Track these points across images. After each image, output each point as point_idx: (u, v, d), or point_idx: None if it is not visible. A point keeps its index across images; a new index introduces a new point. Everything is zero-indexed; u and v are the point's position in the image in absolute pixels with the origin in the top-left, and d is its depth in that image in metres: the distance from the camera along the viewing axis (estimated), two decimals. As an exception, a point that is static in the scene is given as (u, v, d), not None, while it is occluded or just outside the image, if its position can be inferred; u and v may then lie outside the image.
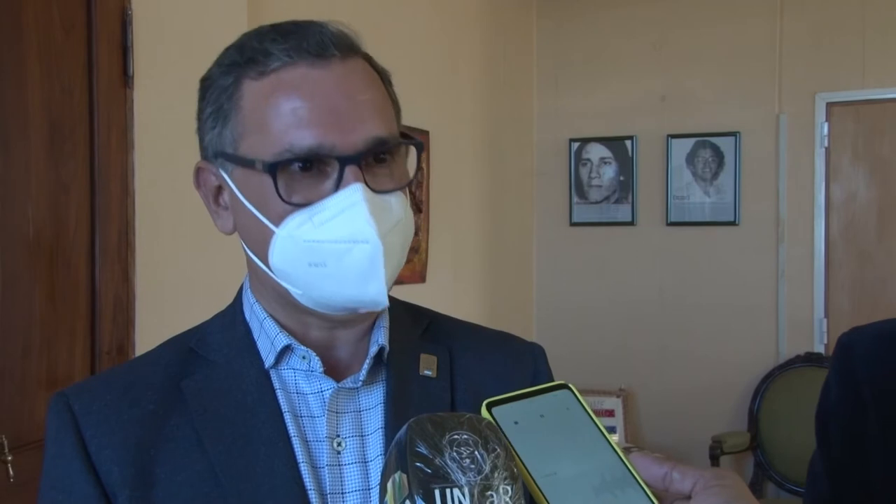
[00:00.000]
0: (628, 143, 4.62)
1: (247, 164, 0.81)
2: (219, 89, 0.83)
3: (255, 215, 0.82)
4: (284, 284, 0.83)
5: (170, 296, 2.12)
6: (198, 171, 0.87)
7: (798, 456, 4.12)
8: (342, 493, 0.82)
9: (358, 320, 0.87)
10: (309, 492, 0.80)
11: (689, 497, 0.62)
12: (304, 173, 0.79)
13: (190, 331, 0.91)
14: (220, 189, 0.86)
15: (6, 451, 1.69)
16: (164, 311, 2.09)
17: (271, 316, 0.87)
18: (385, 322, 0.89)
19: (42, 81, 1.86)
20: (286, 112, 0.79)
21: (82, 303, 1.97)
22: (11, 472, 1.68)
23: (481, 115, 4.17)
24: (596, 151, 4.69)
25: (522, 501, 0.58)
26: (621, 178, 4.64)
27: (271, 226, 0.80)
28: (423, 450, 0.58)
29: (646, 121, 4.57)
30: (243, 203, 0.82)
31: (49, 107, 1.88)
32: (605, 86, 4.66)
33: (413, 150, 0.86)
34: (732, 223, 4.42)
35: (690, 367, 4.48)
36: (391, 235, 0.79)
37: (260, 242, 0.82)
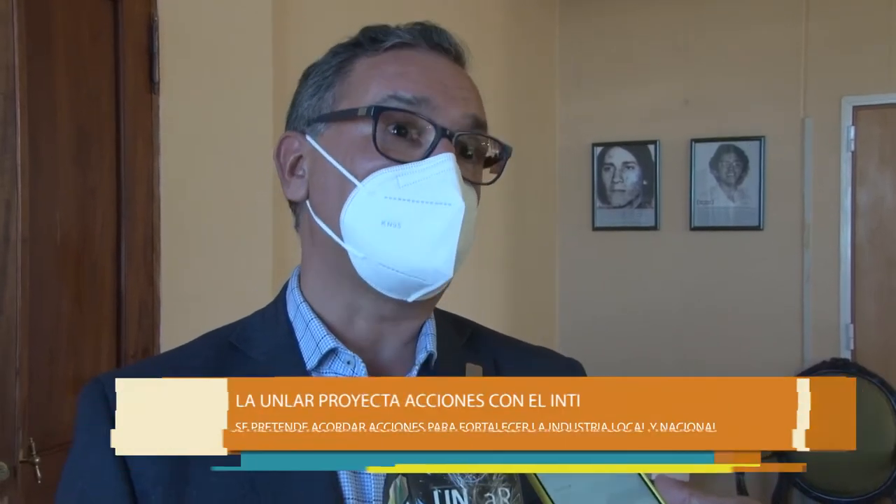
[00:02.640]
0: (651, 147, 4.60)
1: (345, 115, 0.83)
2: (326, 65, 0.87)
3: (338, 171, 0.82)
4: (348, 247, 0.82)
5: (194, 300, 2.14)
6: (281, 142, 0.89)
7: (824, 463, 4.07)
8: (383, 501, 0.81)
9: (407, 316, 0.86)
10: (347, 500, 0.79)
11: None
12: (399, 137, 0.81)
13: (229, 326, 0.90)
14: (299, 159, 0.88)
15: (34, 452, 1.70)
16: (188, 314, 2.10)
17: (318, 316, 0.86)
18: (432, 329, 0.88)
19: (70, 87, 1.89)
20: (395, 72, 0.82)
21: (108, 306, 1.99)
22: (39, 474, 1.69)
23: (503, 120, 4.17)
24: (619, 156, 4.67)
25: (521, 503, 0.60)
26: (644, 183, 4.62)
27: (354, 180, 0.81)
28: None
29: (669, 125, 4.54)
30: (328, 161, 0.84)
31: (76, 112, 1.90)
32: (628, 90, 4.64)
33: (491, 166, 0.89)
34: (757, 228, 4.39)
35: (714, 372, 4.42)
36: (468, 215, 0.79)
37: (336, 199, 0.83)
